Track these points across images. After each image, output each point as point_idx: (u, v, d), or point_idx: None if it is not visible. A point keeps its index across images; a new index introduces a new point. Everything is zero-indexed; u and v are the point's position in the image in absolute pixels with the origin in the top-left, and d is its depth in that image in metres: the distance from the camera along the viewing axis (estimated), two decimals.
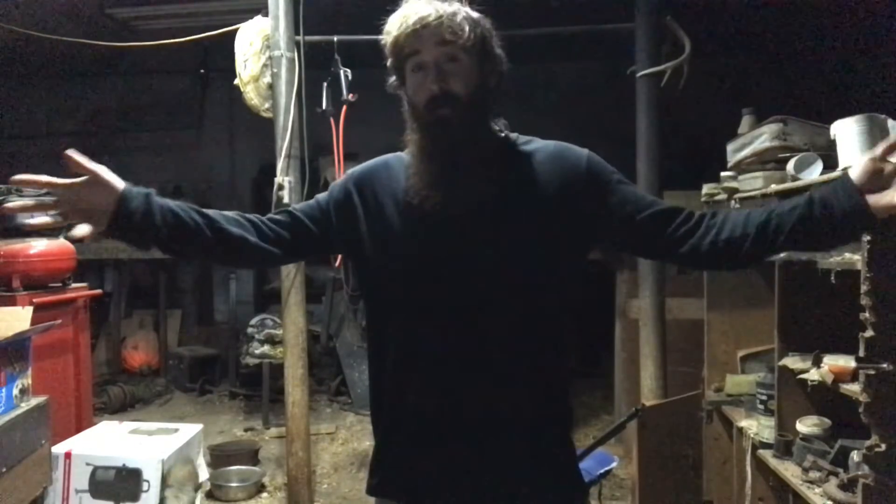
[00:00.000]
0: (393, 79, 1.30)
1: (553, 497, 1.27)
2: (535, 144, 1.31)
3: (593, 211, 1.25)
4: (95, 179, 1.23)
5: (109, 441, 3.14)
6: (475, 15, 1.23)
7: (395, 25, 1.22)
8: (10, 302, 3.11)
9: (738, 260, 1.21)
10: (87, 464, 2.95)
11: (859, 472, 1.62)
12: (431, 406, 1.24)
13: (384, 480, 1.32)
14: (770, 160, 2.40)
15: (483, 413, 1.22)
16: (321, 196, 1.36)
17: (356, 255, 1.32)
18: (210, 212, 1.28)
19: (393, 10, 1.24)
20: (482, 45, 1.23)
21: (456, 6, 1.21)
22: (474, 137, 1.23)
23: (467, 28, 1.19)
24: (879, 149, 1.17)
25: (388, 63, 1.28)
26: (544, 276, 1.24)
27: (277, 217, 1.32)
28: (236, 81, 3.34)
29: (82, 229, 1.19)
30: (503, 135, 1.30)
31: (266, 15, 3.32)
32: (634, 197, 1.27)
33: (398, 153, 1.35)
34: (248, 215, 1.30)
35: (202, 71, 6.33)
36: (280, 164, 3.30)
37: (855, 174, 1.17)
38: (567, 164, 1.27)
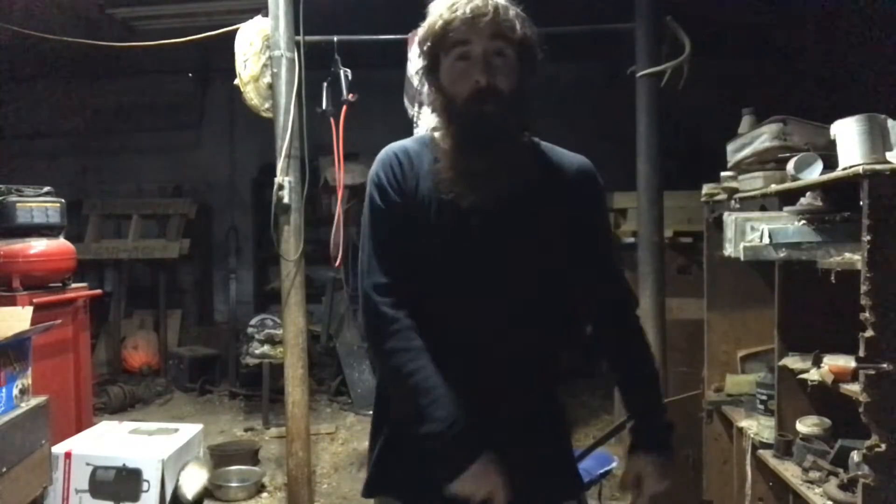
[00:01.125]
0: (424, 63, 1.28)
1: (558, 496, 1.32)
2: (560, 152, 1.37)
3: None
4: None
5: (109, 441, 3.14)
6: (520, 12, 1.24)
7: (446, 9, 1.20)
8: (10, 302, 3.11)
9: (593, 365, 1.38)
10: (87, 464, 2.95)
11: (859, 472, 1.62)
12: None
13: (389, 477, 1.33)
14: (770, 160, 2.40)
15: (500, 409, 1.26)
16: (382, 206, 1.28)
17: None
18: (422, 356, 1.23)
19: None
20: (528, 44, 1.24)
21: (506, 1, 1.22)
22: (512, 135, 1.25)
23: (518, 25, 1.21)
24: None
25: (426, 46, 1.26)
26: (565, 275, 1.31)
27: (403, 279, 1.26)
28: (236, 81, 3.34)
29: None
30: (534, 138, 1.34)
31: (266, 15, 3.32)
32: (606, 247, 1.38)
33: (414, 138, 1.36)
34: (406, 316, 1.24)
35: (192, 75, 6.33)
36: (280, 164, 3.30)
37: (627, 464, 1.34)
38: (586, 178, 1.35)
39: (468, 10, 1.18)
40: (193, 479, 3.05)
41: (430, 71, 1.27)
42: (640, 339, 1.39)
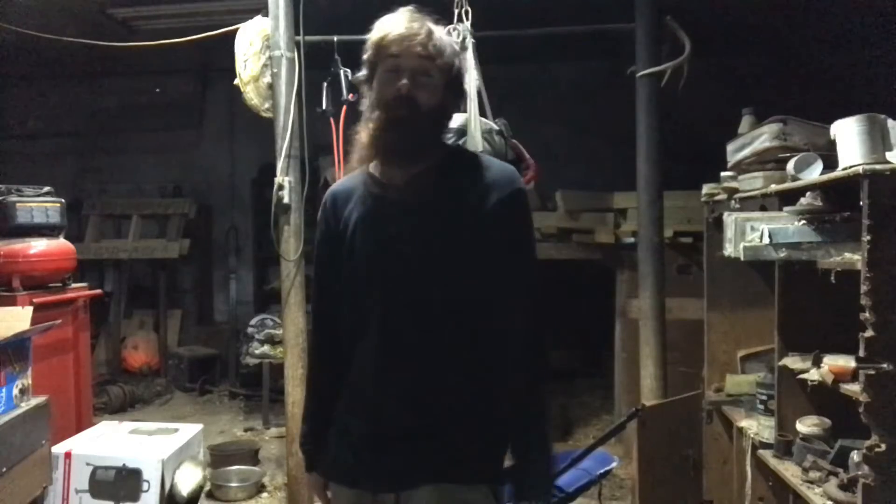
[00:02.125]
0: (363, 72, 1.42)
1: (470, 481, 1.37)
2: (489, 163, 1.44)
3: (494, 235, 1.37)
4: None
5: (109, 441, 3.14)
6: (454, 45, 1.39)
7: (385, 26, 1.36)
8: (10, 302, 3.11)
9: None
10: (87, 464, 2.95)
11: (859, 472, 1.62)
12: (370, 399, 1.40)
13: (332, 465, 1.48)
14: (770, 160, 2.40)
15: (405, 404, 1.37)
16: (321, 245, 1.51)
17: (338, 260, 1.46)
18: (326, 386, 1.53)
19: (391, 10, 1.32)
20: (453, 71, 1.38)
21: (443, 32, 1.39)
22: (421, 142, 1.37)
23: (447, 52, 1.36)
24: None
25: (366, 56, 1.40)
26: (465, 274, 1.36)
27: (332, 313, 1.50)
28: (236, 81, 3.34)
29: None
30: (455, 148, 1.50)
31: (266, 15, 3.32)
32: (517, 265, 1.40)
33: (352, 175, 1.51)
34: (328, 348, 1.52)
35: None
36: (280, 164, 3.30)
37: None
38: (499, 185, 1.38)
39: (404, 29, 1.33)
40: (189, 477, 3.05)
41: (368, 80, 1.41)
42: (529, 381, 1.37)
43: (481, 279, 1.36)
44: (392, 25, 1.35)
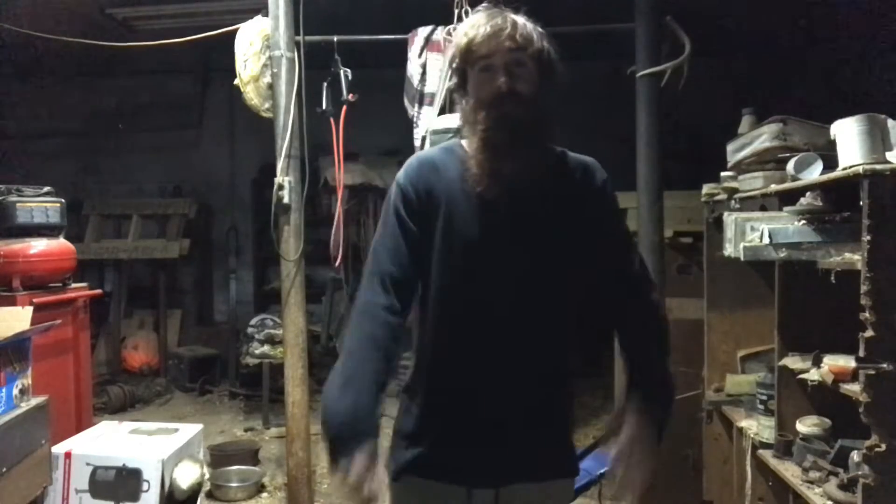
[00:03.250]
0: (454, 80, 1.41)
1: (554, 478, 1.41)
2: (573, 157, 1.46)
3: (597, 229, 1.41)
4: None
5: (109, 441, 3.14)
6: (539, 29, 1.37)
7: (470, 28, 1.35)
8: (10, 302, 3.11)
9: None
10: (87, 464, 2.95)
11: (859, 472, 1.62)
12: (466, 393, 1.35)
13: (417, 460, 1.39)
14: (770, 160, 2.40)
15: (505, 403, 1.35)
16: (396, 224, 1.36)
17: (426, 250, 1.37)
18: (379, 370, 1.30)
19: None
20: (546, 56, 1.37)
21: (523, 19, 1.35)
22: (534, 136, 1.35)
23: (535, 38, 1.34)
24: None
25: (455, 64, 1.39)
26: (573, 273, 1.38)
27: (398, 294, 1.33)
28: (236, 81, 3.34)
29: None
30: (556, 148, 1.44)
31: (266, 15, 3.32)
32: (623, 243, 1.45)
33: (441, 147, 1.45)
34: (381, 329, 1.32)
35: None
36: (280, 164, 3.30)
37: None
38: (598, 183, 1.43)
39: (489, 28, 1.32)
40: (187, 473, 3.05)
41: (460, 86, 1.39)
42: (661, 345, 1.43)
43: (591, 268, 1.39)
44: (476, 27, 1.33)
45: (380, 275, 1.33)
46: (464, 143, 1.41)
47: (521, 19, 1.35)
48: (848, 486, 1.82)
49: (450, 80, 1.45)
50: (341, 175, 3.47)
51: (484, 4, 1.39)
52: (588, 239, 1.39)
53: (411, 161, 1.43)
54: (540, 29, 1.37)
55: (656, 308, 1.46)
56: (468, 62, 1.35)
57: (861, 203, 1.62)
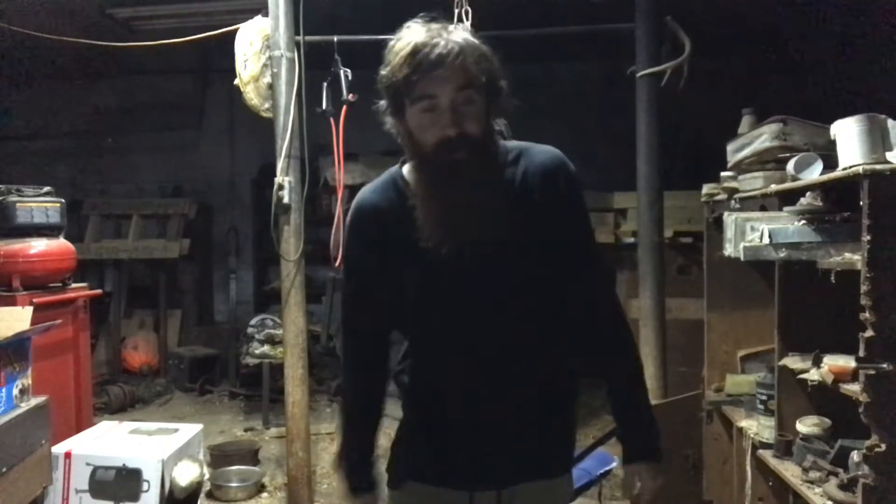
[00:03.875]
0: (385, 107, 1.27)
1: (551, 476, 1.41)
2: (529, 150, 1.35)
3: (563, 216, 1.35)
4: None
5: (109, 441, 3.14)
6: (484, 48, 1.22)
7: (406, 59, 1.17)
8: (10, 302, 3.11)
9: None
10: (87, 464, 2.95)
11: (859, 472, 1.62)
12: (459, 403, 1.35)
13: (417, 467, 1.41)
14: (770, 160, 2.40)
15: (500, 408, 1.34)
16: (355, 264, 1.41)
17: (387, 280, 1.36)
18: (370, 410, 1.48)
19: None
20: (495, 82, 1.24)
21: (464, 37, 1.20)
22: (485, 176, 1.25)
23: (481, 67, 1.20)
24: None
25: (390, 91, 1.23)
26: (547, 265, 1.32)
27: (373, 338, 1.44)
28: (236, 81, 3.34)
29: None
30: (499, 150, 1.32)
31: (266, 15, 3.32)
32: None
33: (383, 180, 1.37)
34: (372, 373, 1.45)
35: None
36: (280, 164, 3.30)
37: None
38: (558, 175, 1.33)
39: (432, 60, 1.15)
40: (186, 471, 3.05)
41: (396, 113, 1.25)
42: (624, 346, 1.43)
43: (561, 265, 1.34)
44: (415, 53, 1.16)
45: (353, 333, 1.46)
46: (405, 171, 1.33)
47: (464, 37, 1.19)
48: (848, 486, 1.82)
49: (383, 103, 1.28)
50: (341, 175, 3.47)
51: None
52: (554, 238, 1.33)
53: (355, 204, 1.37)
54: (485, 47, 1.22)
55: (625, 335, 1.42)
56: (407, 94, 1.20)
57: (861, 203, 1.62)
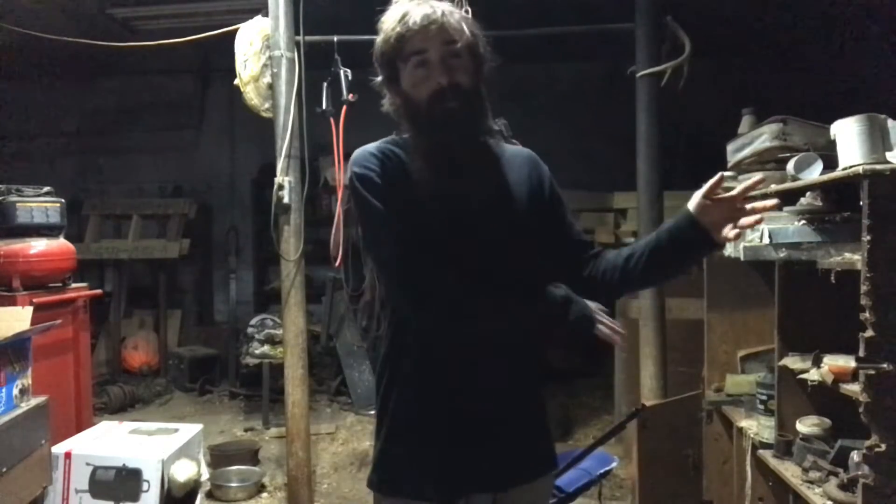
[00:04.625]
0: (379, 78, 1.35)
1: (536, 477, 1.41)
2: (509, 147, 1.46)
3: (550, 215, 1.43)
4: None
5: (109, 441, 3.14)
6: (468, 17, 1.32)
7: (397, 23, 1.27)
8: (10, 302, 3.11)
9: (613, 291, 1.42)
10: (87, 464, 2.95)
11: (859, 472, 1.62)
12: (436, 403, 1.33)
13: (394, 475, 1.38)
14: (770, 160, 2.40)
15: (482, 405, 1.34)
16: (375, 193, 1.31)
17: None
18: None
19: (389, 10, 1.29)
20: (477, 45, 1.32)
21: (449, 6, 1.30)
22: (477, 129, 1.32)
23: (465, 28, 1.29)
24: (706, 187, 1.40)
25: (381, 59, 1.33)
26: (532, 258, 1.37)
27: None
28: (236, 81, 3.34)
29: None
30: (496, 133, 1.42)
31: (266, 15, 3.32)
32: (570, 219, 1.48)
33: (385, 140, 1.40)
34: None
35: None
36: (280, 164, 3.30)
37: (692, 207, 1.40)
38: (535, 166, 1.44)
39: (419, 20, 1.25)
40: (183, 469, 3.05)
41: (391, 80, 1.33)
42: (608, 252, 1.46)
43: (545, 233, 1.41)
44: (404, 19, 1.26)
45: (396, 243, 1.30)
46: (407, 136, 1.36)
47: (448, 6, 1.30)
48: (848, 486, 1.82)
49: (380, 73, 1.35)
50: (341, 175, 3.47)
51: None
52: (538, 206, 1.40)
53: (359, 152, 1.37)
54: (466, 16, 1.32)
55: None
56: (399, 57, 1.29)
57: (861, 203, 1.62)
